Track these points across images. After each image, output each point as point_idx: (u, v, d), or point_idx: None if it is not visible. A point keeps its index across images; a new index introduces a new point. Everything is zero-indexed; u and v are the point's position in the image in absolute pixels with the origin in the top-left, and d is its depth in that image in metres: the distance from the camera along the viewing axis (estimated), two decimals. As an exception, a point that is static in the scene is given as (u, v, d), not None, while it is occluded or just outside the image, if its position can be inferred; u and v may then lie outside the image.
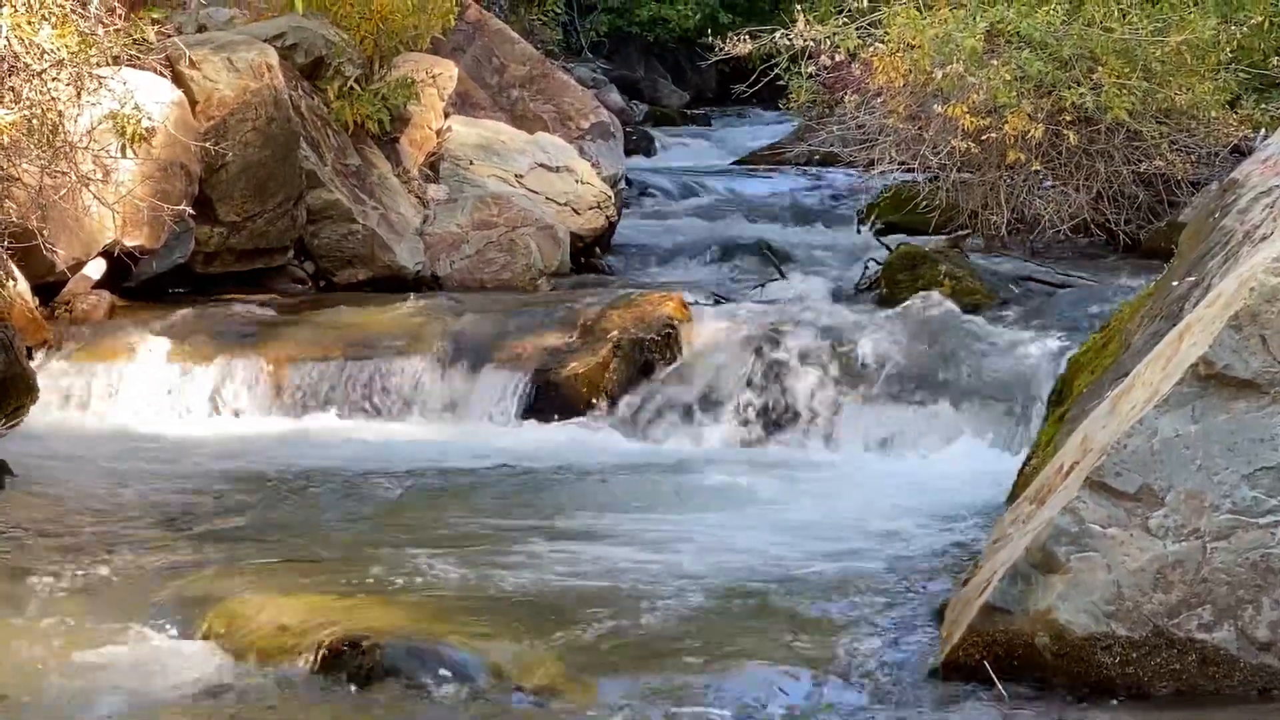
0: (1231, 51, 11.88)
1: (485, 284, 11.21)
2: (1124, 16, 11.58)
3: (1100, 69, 11.43)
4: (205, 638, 5.56)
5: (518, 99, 13.90)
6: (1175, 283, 6.69)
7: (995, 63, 11.36)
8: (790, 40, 12.20)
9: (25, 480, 7.69)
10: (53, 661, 5.40)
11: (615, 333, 9.36)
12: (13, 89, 8.07)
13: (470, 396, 9.22)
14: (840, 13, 12.40)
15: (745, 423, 8.99)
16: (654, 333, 9.39)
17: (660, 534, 6.85)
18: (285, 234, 10.74)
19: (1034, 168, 11.56)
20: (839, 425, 8.89)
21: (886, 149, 12.10)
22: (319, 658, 5.26)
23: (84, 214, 9.06)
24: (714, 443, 8.90)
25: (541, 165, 12.39)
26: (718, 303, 10.44)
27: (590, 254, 12.36)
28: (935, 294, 9.84)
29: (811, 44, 12.18)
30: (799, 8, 12.53)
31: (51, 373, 9.06)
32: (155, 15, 9.06)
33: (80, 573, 6.27)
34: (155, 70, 9.56)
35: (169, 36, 9.81)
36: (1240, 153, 11.19)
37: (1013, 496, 6.65)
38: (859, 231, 12.92)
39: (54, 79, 8.16)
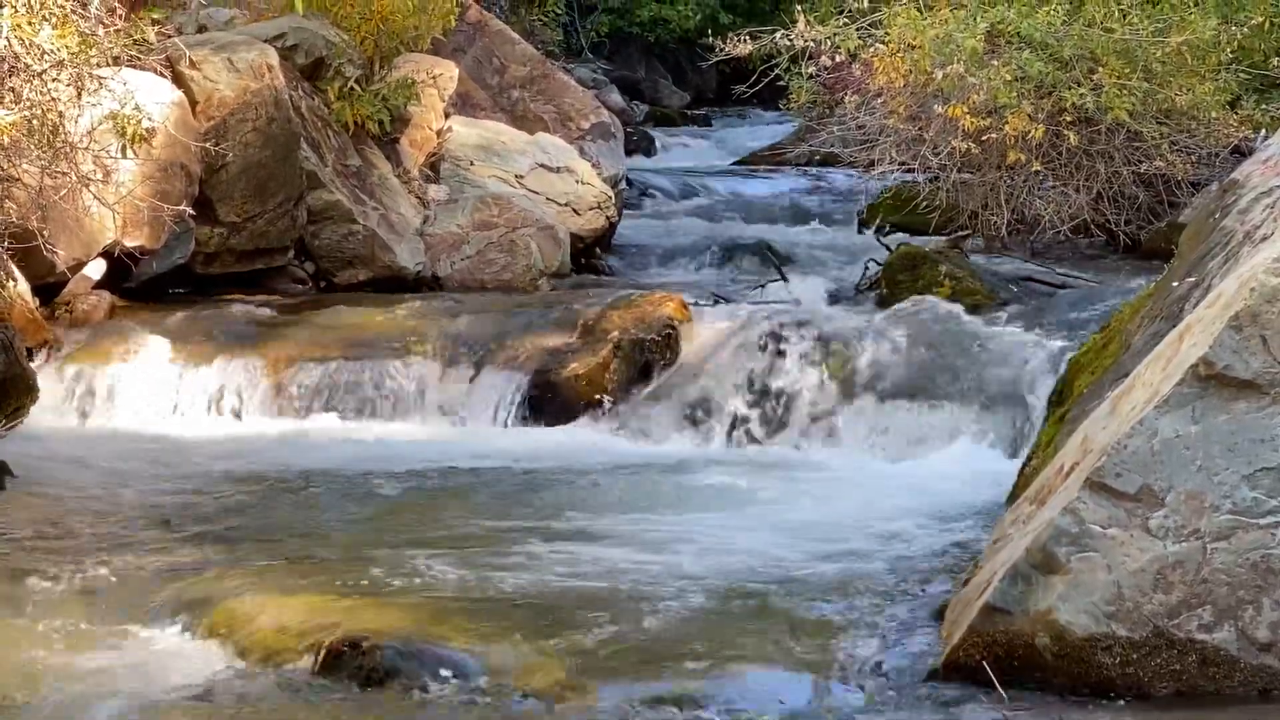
0: (1232, 52, 11.88)
1: (485, 284, 11.20)
2: (1124, 17, 11.57)
3: (1101, 69, 11.42)
4: (206, 638, 5.56)
5: (518, 99, 13.89)
6: (1175, 283, 6.69)
7: (996, 63, 11.35)
8: (791, 41, 12.20)
9: (25, 481, 7.69)
10: (53, 662, 5.40)
11: (615, 333, 9.35)
12: (13, 89, 8.06)
13: (470, 397, 9.21)
14: (840, 13, 12.40)
15: (745, 423, 8.98)
16: (654, 333, 9.38)
17: (660, 535, 6.85)
18: (285, 234, 10.73)
19: (1034, 168, 11.55)
20: (839, 426, 8.88)
21: (887, 149, 12.10)
22: (320, 658, 5.26)
23: (84, 214, 9.05)
24: (714, 443, 8.90)
25: (542, 166, 12.38)
26: (718, 303, 10.42)
27: (591, 254, 12.35)
28: (935, 295, 9.84)
29: (812, 44, 12.18)
30: (799, 8, 12.54)
31: (51, 373, 9.05)
32: (155, 16, 9.05)
33: (80, 574, 6.27)
34: (155, 71, 9.55)
35: (169, 37, 9.80)
36: (1240, 153, 11.18)
37: (1013, 497, 6.65)
38: (859, 232, 12.92)
39: (54, 79, 8.15)
